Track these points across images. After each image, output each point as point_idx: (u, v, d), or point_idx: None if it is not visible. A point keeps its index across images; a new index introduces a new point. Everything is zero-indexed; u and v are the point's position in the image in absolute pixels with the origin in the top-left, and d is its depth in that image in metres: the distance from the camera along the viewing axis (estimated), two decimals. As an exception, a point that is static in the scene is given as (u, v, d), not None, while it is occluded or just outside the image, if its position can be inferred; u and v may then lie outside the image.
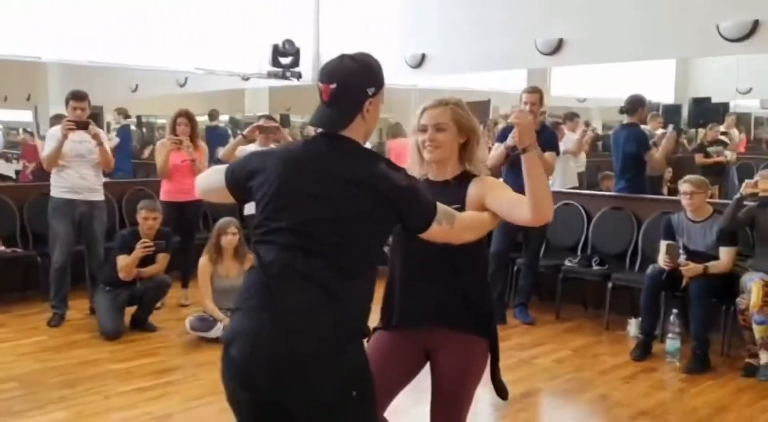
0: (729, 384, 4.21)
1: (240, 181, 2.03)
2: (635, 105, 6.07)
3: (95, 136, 5.23)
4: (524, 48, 6.40)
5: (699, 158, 8.08)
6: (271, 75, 8.18)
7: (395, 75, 8.03)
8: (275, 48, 8.14)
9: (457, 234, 2.07)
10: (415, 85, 9.22)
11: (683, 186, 4.78)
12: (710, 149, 8.60)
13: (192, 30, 7.45)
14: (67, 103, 5.26)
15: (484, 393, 3.95)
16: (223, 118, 11.30)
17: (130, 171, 8.59)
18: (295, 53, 8.20)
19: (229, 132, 10.68)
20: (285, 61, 8.19)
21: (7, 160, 8.91)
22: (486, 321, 2.30)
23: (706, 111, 9.10)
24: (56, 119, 7.77)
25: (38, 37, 6.52)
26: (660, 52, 5.75)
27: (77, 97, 5.22)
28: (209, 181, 2.19)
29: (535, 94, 5.40)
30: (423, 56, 7.27)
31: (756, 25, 5.07)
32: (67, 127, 5.08)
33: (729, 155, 8.77)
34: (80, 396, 3.89)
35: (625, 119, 6.09)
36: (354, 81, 1.96)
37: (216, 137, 9.66)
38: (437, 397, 2.27)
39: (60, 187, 5.27)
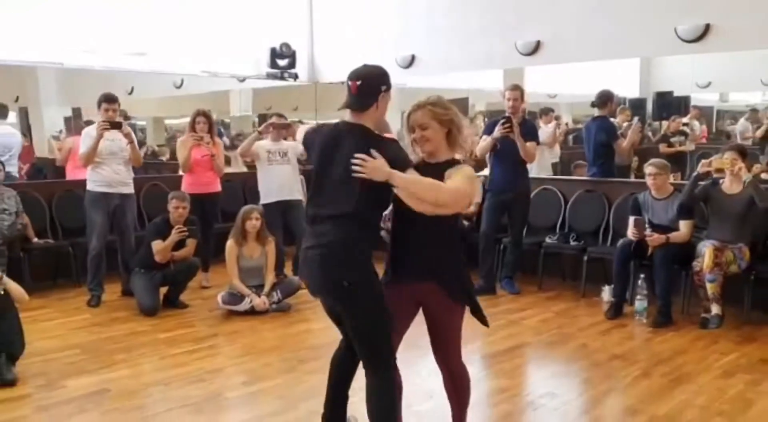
0: (688, 335, 4.96)
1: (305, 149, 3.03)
2: (605, 99, 6.82)
3: (127, 135, 5.85)
4: (505, 49, 7.12)
5: (662, 148, 8.78)
6: (269, 76, 8.82)
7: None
8: (273, 51, 8.80)
9: (415, 204, 2.67)
10: (404, 84, 9.92)
11: (648, 168, 5.54)
12: (672, 139, 9.39)
13: (194, 34, 8.05)
14: (99, 105, 5.85)
15: (483, 345, 4.68)
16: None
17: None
18: (292, 55, 8.87)
19: (222, 130, 11.27)
20: (282, 62, 8.85)
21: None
22: (460, 280, 2.91)
23: (669, 104, 9.79)
24: (70, 121, 8.35)
25: (32, 41, 6.96)
26: (625, 52, 6.51)
27: (109, 99, 5.82)
28: None
29: (517, 91, 6.11)
30: (413, 57, 7.96)
31: (708, 28, 5.85)
32: (102, 127, 5.68)
33: (689, 145, 9.59)
34: (138, 358, 4.53)
35: (596, 112, 6.84)
36: (372, 79, 2.86)
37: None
38: (433, 339, 2.95)
39: (96, 181, 5.87)
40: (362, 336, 2.83)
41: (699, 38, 5.92)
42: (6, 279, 4.36)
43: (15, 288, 4.39)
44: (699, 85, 13.92)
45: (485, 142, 6.12)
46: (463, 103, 12.61)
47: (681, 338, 4.90)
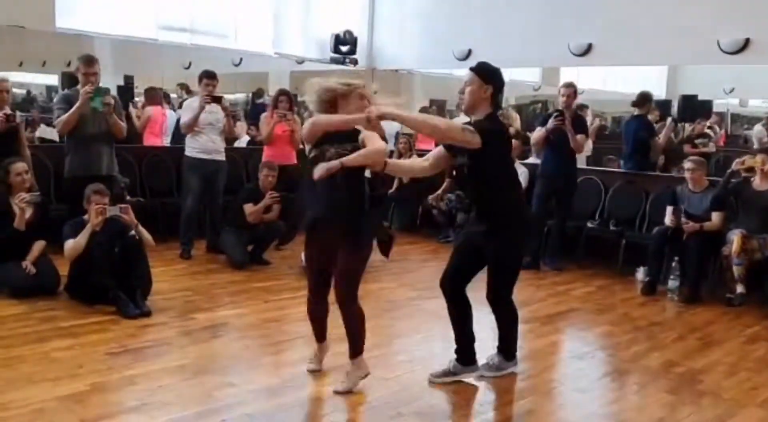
0: (715, 310, 5.69)
1: None
2: (644, 100, 7.53)
3: (225, 109, 6.58)
4: (558, 49, 7.82)
5: (687, 148, 9.37)
6: (333, 61, 9.52)
7: (443, 65, 9.47)
8: (336, 37, 9.49)
9: None
10: (450, 73, 10.61)
11: (687, 164, 6.28)
12: (698, 141, 10.06)
13: (266, 17, 8.74)
14: (200, 80, 6.57)
15: (539, 307, 5.37)
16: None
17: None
18: (353, 42, 9.55)
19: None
20: (344, 48, 9.54)
21: (48, 124, 10.11)
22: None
23: (693, 107, 10.39)
24: (151, 91, 9.06)
25: (91, 11, 7.60)
26: (670, 58, 7.21)
27: (210, 76, 6.54)
28: None
29: (570, 88, 6.81)
30: (469, 51, 8.65)
31: (748, 41, 6.55)
32: (205, 100, 6.40)
33: (711, 147, 10.27)
34: (246, 301, 5.31)
35: (636, 111, 7.54)
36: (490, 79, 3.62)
37: (261, 111, 11.00)
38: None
39: (194, 148, 6.60)
40: None
41: (739, 51, 6.61)
42: (140, 227, 5.13)
43: (146, 235, 5.17)
44: (725, 91, 14.60)
45: (539, 132, 6.85)
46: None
47: (709, 312, 5.63)
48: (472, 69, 3.65)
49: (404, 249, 7.58)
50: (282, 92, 7.19)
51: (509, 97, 14.36)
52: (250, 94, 13.17)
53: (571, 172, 6.88)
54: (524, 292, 6.01)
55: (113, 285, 4.79)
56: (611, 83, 11.72)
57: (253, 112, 11.10)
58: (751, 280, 5.82)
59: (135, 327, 4.52)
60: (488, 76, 3.60)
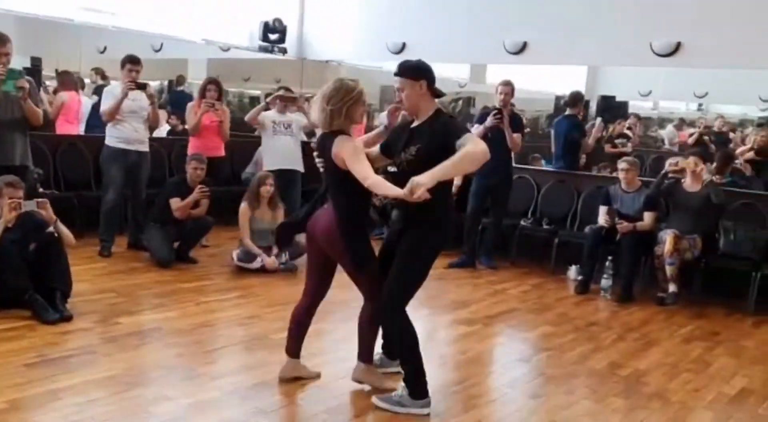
0: (648, 309, 5.77)
1: None
2: (576, 100, 7.60)
3: (150, 97, 6.19)
4: (493, 46, 7.79)
5: (608, 148, 9.59)
6: (261, 49, 9.20)
7: (376, 58, 9.30)
8: (265, 25, 9.17)
9: None
10: (380, 67, 10.47)
11: (622, 164, 6.35)
12: (617, 141, 10.33)
13: (195, 4, 8.35)
14: (123, 65, 6.15)
15: (480, 308, 5.30)
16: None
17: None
18: (283, 31, 9.26)
19: (194, 96, 11.56)
20: (273, 37, 9.24)
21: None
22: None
23: (611, 108, 10.67)
24: (64, 76, 8.49)
25: None
26: (604, 59, 7.29)
27: (134, 61, 6.13)
28: None
29: (508, 86, 6.77)
30: (403, 44, 8.51)
31: (679, 45, 6.68)
32: (128, 87, 6.00)
33: (629, 147, 10.55)
34: (175, 303, 4.98)
35: (567, 111, 7.60)
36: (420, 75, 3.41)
37: (182, 100, 10.57)
38: None
39: (116, 137, 6.18)
40: None
41: (671, 54, 6.73)
42: (59, 224, 4.73)
43: (65, 232, 4.77)
44: (641, 93, 15.09)
45: (477, 130, 6.77)
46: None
47: (643, 312, 5.70)
48: (397, 74, 3.44)
49: (337, 247, 7.39)
50: (210, 80, 6.85)
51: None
52: (166, 82, 12.68)
53: (507, 170, 6.86)
54: (462, 291, 5.97)
55: (29, 287, 4.39)
56: (533, 82, 11.88)
57: (174, 100, 10.64)
58: (681, 280, 5.94)
59: (55, 334, 4.14)
60: (415, 72, 3.41)
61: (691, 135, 11.42)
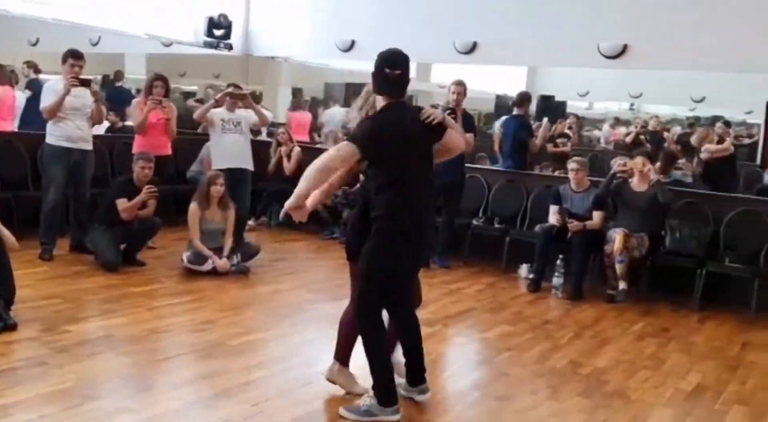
0: (599, 307, 5.87)
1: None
2: (523, 100, 7.68)
3: (95, 93, 5.95)
4: (443, 45, 7.79)
5: (550, 147, 9.74)
6: (206, 45, 8.97)
7: (324, 56, 9.20)
8: (210, 20, 8.95)
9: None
10: (326, 64, 10.38)
11: (571, 164, 6.44)
12: (558, 140, 10.52)
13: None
14: (65, 59, 5.89)
15: (438, 308, 5.30)
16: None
17: (42, 125, 9.02)
18: (228, 26, 9.05)
19: (133, 92, 11.23)
20: (218, 32, 9.02)
21: None
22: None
23: (550, 107, 10.86)
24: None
25: None
26: (551, 60, 7.37)
27: (77, 55, 5.89)
28: None
29: (461, 86, 6.79)
30: (353, 42, 8.43)
31: (626, 47, 6.83)
32: (71, 83, 5.75)
33: (569, 146, 10.77)
34: (126, 308, 4.79)
35: (515, 111, 7.68)
36: (408, 66, 3.40)
37: (120, 96, 10.27)
38: None
39: (58, 136, 5.92)
40: None
41: (618, 56, 6.87)
42: (0, 226, 4.48)
43: (7, 234, 4.52)
44: (579, 94, 15.46)
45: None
46: (360, 89, 13.28)
47: (594, 309, 5.80)
48: None
49: (289, 247, 7.30)
50: (157, 77, 6.64)
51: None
52: (100, 77, 12.25)
53: (459, 169, 6.87)
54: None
55: (-30, 294, 4.15)
56: (475, 82, 12.00)
57: (112, 96, 10.30)
58: (630, 277, 6.07)
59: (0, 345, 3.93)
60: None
61: (627, 134, 11.73)
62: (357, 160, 3.26)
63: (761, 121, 12.49)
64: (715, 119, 16.58)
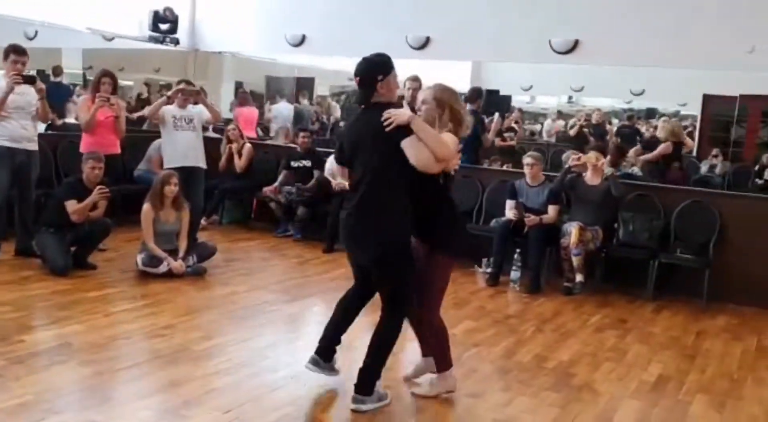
0: (556, 300, 5.96)
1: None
2: (476, 95, 7.71)
3: (40, 91, 5.71)
4: (396, 41, 7.75)
5: (498, 141, 9.88)
6: (152, 39, 8.72)
7: (275, 51, 9.06)
8: (155, 14, 8.69)
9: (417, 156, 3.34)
10: (274, 58, 10.24)
11: (527, 159, 6.52)
12: (506, 134, 10.66)
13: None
14: (6, 56, 5.64)
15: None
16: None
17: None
18: (174, 20, 8.81)
19: (72, 88, 10.87)
20: (164, 27, 8.77)
21: None
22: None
23: (495, 102, 10.98)
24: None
25: None
26: (506, 56, 7.43)
27: (19, 51, 5.65)
28: None
29: (416, 82, 6.77)
30: (303, 37, 8.32)
31: (577, 43, 6.93)
32: (15, 81, 5.50)
33: (516, 140, 10.94)
34: (82, 315, 4.61)
35: (468, 107, 7.71)
36: (366, 74, 3.39)
37: (59, 92, 9.94)
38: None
39: (1, 135, 5.66)
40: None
41: (570, 51, 6.97)
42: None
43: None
44: (523, 88, 15.68)
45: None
46: (309, 84, 13.17)
47: (552, 302, 5.88)
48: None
49: (242, 247, 7.17)
50: (105, 73, 6.43)
51: (323, 88, 14.25)
52: (34, 72, 11.81)
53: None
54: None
55: None
56: (423, 78, 12.06)
57: (50, 92, 9.92)
58: (586, 269, 6.17)
59: (-50, 358, 3.74)
60: None
61: (571, 128, 11.94)
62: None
63: (696, 112, 12.90)
64: (650, 111, 17.13)
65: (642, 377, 4.24)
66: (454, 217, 3.63)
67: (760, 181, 9.82)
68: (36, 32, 10.29)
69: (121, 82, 13.32)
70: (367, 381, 3.48)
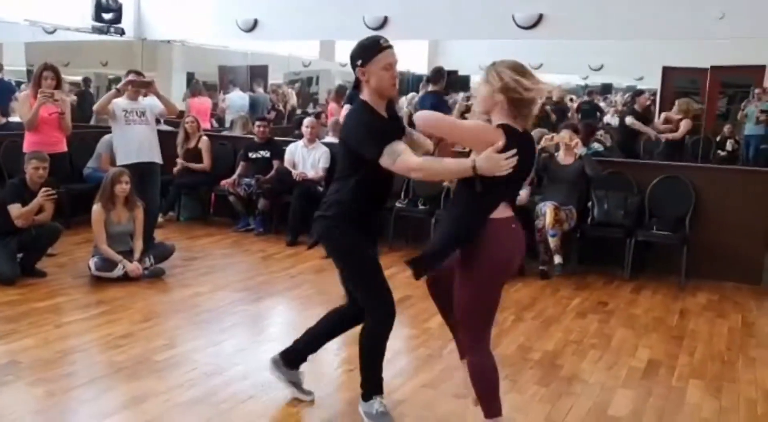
0: (533, 285, 5.75)
1: None
2: (439, 75, 7.45)
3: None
4: (352, 22, 7.45)
5: None
6: (95, 30, 8.26)
7: (226, 36, 8.68)
8: (98, 3, 8.24)
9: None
10: (225, 46, 9.84)
11: (496, 140, 6.28)
12: (467, 115, 10.48)
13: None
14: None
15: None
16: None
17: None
18: (118, 9, 8.37)
19: (13, 84, 10.33)
20: (107, 16, 8.33)
21: None
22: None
23: (454, 82, 10.80)
24: None
25: None
26: (468, 33, 7.19)
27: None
28: None
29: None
30: (255, 21, 7.96)
31: (541, 17, 6.72)
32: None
33: (477, 122, 10.76)
34: (31, 328, 4.26)
35: (430, 87, 7.46)
36: (350, 61, 3.03)
37: (1, 90, 9.47)
38: None
39: (-68, 137, 5.24)
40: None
41: (533, 26, 6.76)
42: None
43: None
44: (481, 67, 15.46)
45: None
46: (263, 71, 12.78)
47: (529, 288, 5.68)
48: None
49: (202, 244, 6.83)
50: (46, 67, 5.99)
51: (276, 74, 13.84)
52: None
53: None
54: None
55: None
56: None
57: (-5, 89, 9.44)
58: (562, 250, 6.00)
59: None
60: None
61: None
62: None
63: (654, 86, 12.83)
64: (605, 87, 17.07)
65: (631, 363, 4.07)
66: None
67: (722, 153, 9.82)
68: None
69: (68, 78, 12.81)
70: (364, 387, 3.24)
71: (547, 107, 11.20)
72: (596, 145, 7.46)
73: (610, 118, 13.57)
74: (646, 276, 6.00)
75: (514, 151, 2.64)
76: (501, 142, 2.64)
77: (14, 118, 8.10)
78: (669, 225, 6.02)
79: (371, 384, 3.23)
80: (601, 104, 14.35)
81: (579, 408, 3.44)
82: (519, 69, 2.73)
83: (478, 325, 2.91)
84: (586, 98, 13.56)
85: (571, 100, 14.00)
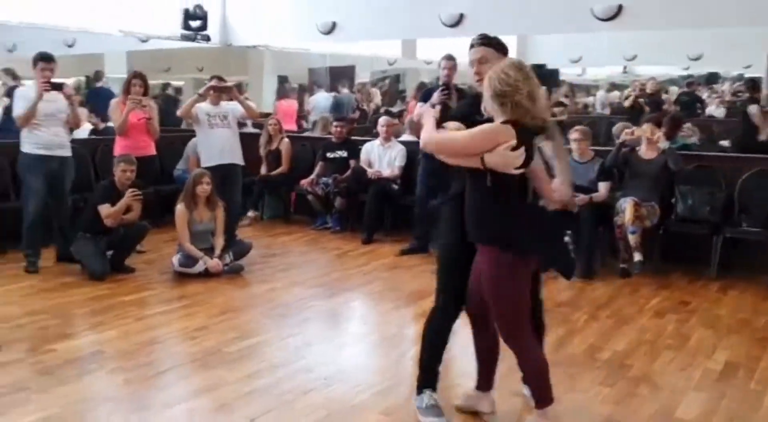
0: (612, 284, 5.60)
1: None
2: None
3: (69, 97, 5.65)
4: (428, 20, 7.47)
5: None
6: (183, 38, 8.64)
7: (305, 40, 8.88)
8: (186, 12, 8.62)
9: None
10: (307, 49, 10.06)
11: (574, 134, 6.14)
12: (555, 110, 10.24)
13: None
14: (35, 64, 5.58)
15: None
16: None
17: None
18: (204, 17, 8.72)
19: (114, 91, 10.93)
20: (195, 24, 8.69)
21: None
22: None
23: (542, 76, 10.54)
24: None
25: None
26: (544, 28, 7.07)
27: (46, 58, 5.57)
28: None
29: (451, 61, 6.47)
30: (333, 24, 8.11)
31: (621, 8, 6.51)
32: (43, 88, 5.44)
33: (566, 115, 10.50)
34: (115, 320, 4.52)
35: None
36: None
37: (101, 97, 10.00)
38: None
39: (34, 143, 5.61)
40: None
41: (613, 17, 6.56)
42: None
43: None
44: (572, 60, 15.10)
45: (422, 108, 6.46)
46: (349, 72, 12.94)
47: (607, 287, 5.53)
48: (483, 44, 3.08)
49: (282, 242, 7.02)
50: (135, 75, 6.33)
51: (363, 74, 14.00)
52: (84, 78, 11.95)
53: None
54: (421, 280, 5.64)
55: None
56: (463, 55, 11.82)
57: (92, 97, 10.01)
58: (644, 248, 5.79)
59: (-20, 371, 3.67)
60: (503, 47, 3.09)
61: (626, 99, 11.36)
62: None
63: (761, 74, 12.11)
64: (711, 76, 16.18)
65: (707, 365, 3.89)
66: None
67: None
68: (75, 40, 10.41)
69: (174, 83, 13.45)
70: (418, 380, 3.27)
71: (641, 100, 10.85)
72: (693, 139, 7.17)
73: (714, 110, 12.96)
74: (735, 275, 5.71)
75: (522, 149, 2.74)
76: (513, 141, 2.73)
77: (112, 124, 8.59)
78: (760, 221, 5.70)
79: (424, 377, 3.24)
80: (704, 95, 13.68)
81: (644, 409, 3.33)
82: (506, 70, 2.75)
83: (510, 320, 3.10)
84: (685, 89, 12.98)
85: (666, 92, 13.44)
